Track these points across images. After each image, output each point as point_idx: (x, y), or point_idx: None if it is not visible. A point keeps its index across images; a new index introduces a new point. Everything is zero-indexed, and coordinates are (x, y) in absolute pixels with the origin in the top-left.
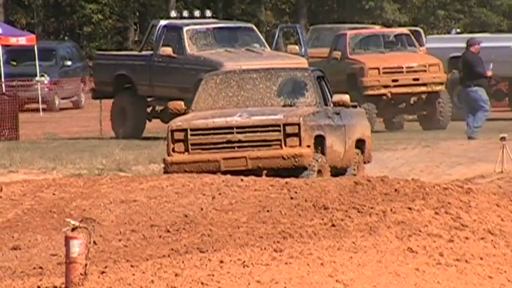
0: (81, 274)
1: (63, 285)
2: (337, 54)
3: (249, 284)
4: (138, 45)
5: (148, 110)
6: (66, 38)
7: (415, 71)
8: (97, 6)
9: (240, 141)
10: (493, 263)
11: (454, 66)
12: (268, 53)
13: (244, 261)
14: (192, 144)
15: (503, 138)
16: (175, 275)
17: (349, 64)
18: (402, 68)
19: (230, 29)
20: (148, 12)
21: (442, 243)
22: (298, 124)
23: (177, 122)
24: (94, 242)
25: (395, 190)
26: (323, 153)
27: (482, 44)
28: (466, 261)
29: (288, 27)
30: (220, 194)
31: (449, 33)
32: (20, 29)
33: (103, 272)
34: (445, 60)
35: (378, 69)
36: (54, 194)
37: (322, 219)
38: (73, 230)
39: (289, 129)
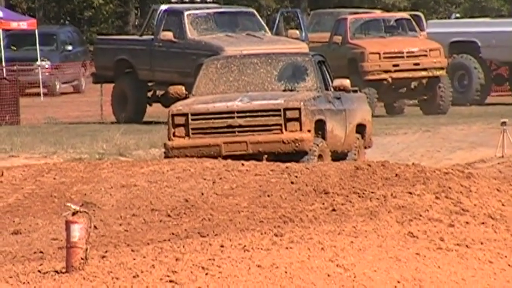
0: (81, 258)
1: (63, 270)
2: (338, 39)
3: (249, 268)
4: (138, 30)
5: (149, 94)
6: (66, 22)
7: (415, 56)
8: None
9: (240, 125)
10: (493, 247)
11: (455, 51)
12: (268, 38)
13: (244, 246)
14: (192, 129)
15: (503, 123)
16: (176, 260)
17: (349, 49)
18: (403, 52)
19: (231, 14)
20: None
21: (442, 227)
22: (299, 109)
23: (178, 107)
24: (95, 226)
25: (396, 175)
26: (323, 137)
27: (482, 29)
28: (467, 246)
29: (289, 12)
30: (220, 178)
31: (449, 18)
32: (21, 13)
33: (103, 257)
34: (445, 45)
35: (379, 54)
36: (54, 179)
37: (323, 203)
38: (74, 214)
39: (289, 114)
